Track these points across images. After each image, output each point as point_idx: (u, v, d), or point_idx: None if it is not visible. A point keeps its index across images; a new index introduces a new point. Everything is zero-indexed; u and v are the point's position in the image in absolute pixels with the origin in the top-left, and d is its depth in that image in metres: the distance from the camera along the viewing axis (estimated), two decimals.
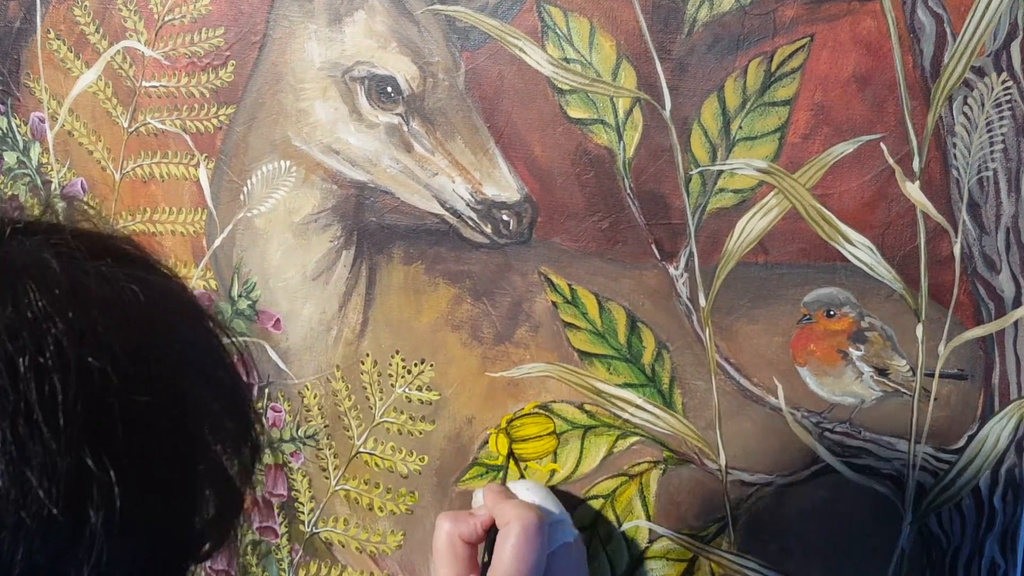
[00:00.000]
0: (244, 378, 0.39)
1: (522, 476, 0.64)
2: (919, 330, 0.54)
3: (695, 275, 0.57)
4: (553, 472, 0.63)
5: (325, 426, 0.69)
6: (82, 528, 0.30)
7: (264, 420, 0.72)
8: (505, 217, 0.60)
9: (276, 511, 0.73)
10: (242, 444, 0.38)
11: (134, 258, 0.37)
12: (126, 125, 0.71)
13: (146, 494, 0.32)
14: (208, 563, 0.76)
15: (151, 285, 0.35)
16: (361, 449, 0.68)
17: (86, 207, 0.41)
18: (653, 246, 0.58)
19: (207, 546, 0.37)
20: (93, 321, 0.31)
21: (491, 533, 0.58)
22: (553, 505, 0.59)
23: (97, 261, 0.34)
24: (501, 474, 0.64)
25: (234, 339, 0.39)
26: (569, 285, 0.60)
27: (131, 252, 0.37)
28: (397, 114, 0.62)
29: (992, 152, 0.51)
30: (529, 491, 0.60)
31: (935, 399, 0.54)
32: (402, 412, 0.66)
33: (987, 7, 0.49)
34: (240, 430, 0.38)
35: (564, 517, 0.59)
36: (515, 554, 0.53)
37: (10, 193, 0.75)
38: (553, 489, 0.62)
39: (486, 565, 0.56)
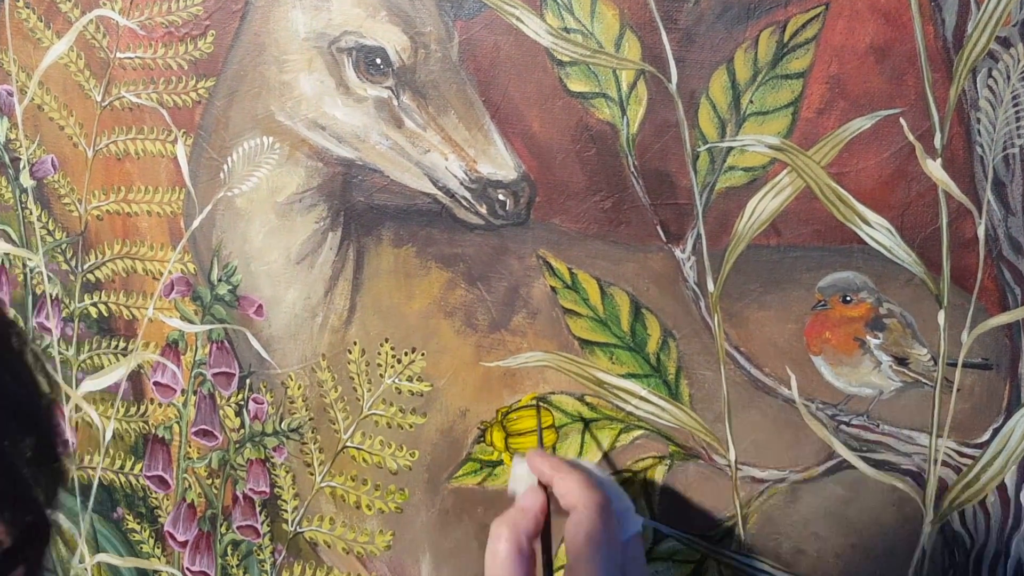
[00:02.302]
0: (47, 388, 0.37)
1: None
2: (941, 317, 0.52)
3: (703, 258, 0.56)
4: None
5: (310, 419, 0.68)
6: None
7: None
8: (501, 196, 0.59)
9: (258, 509, 0.72)
10: (43, 463, 0.36)
11: None
12: (99, 99, 0.69)
13: None
14: (187, 564, 0.75)
15: None
16: (348, 443, 0.67)
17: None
18: (658, 228, 0.56)
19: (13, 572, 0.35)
20: None
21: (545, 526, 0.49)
22: (616, 487, 0.52)
23: None
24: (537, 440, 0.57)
25: (33, 347, 0.38)
26: (569, 269, 0.59)
27: None
28: (387, 87, 0.60)
29: (1018, 128, 0.49)
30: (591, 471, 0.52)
31: (958, 390, 0.53)
32: (391, 404, 0.65)
33: None
34: (41, 447, 0.36)
35: (631, 503, 0.51)
36: (592, 545, 0.44)
37: None
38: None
39: (548, 563, 0.48)
